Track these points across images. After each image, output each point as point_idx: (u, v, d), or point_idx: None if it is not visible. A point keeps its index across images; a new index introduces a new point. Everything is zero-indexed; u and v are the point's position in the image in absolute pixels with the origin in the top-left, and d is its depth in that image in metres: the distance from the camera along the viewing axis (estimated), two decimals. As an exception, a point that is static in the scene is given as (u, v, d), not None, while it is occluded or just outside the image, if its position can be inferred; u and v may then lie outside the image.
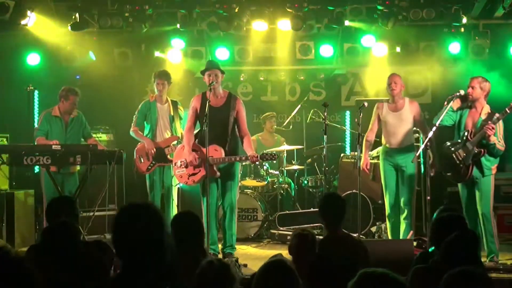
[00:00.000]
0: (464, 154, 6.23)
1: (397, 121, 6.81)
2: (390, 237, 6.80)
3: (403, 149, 6.79)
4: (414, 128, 6.93)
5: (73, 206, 4.31)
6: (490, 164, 6.19)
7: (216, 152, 6.22)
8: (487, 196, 6.20)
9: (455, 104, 6.38)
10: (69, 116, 7.32)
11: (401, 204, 6.80)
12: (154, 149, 7.12)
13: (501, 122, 6.13)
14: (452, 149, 6.34)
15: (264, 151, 6.42)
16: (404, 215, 6.78)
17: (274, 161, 6.57)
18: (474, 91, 6.23)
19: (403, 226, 6.79)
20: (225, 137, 6.39)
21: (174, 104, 7.36)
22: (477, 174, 6.19)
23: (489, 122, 6.01)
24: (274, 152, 6.49)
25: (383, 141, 6.94)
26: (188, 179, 6.53)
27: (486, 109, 6.21)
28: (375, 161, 7.66)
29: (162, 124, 7.27)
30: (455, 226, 3.67)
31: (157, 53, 8.98)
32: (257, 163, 8.06)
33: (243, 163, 7.41)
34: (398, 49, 8.69)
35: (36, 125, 8.77)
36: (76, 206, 4.37)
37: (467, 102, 6.33)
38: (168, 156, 7.19)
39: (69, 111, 7.31)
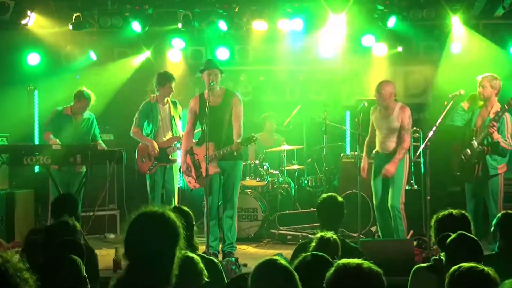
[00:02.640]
0: (470, 153, 6.22)
1: (386, 127, 6.67)
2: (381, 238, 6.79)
3: (390, 154, 6.65)
4: (415, 128, 6.90)
5: (76, 206, 4.43)
6: (496, 164, 6.16)
7: (208, 150, 6.22)
8: (494, 195, 6.17)
9: (466, 104, 6.37)
10: (80, 116, 7.37)
11: (390, 209, 6.72)
12: (158, 150, 7.13)
13: (510, 120, 6.11)
14: (460, 148, 6.35)
15: (245, 137, 6.40)
16: (395, 220, 6.69)
17: (254, 144, 6.57)
18: (485, 90, 6.19)
19: (396, 231, 6.74)
20: (220, 134, 6.42)
21: (174, 104, 7.36)
22: (482, 173, 6.17)
23: (492, 120, 6.01)
24: (252, 134, 6.45)
25: (376, 147, 6.88)
26: (195, 182, 6.61)
27: (496, 107, 6.14)
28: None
29: (164, 124, 7.26)
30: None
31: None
32: (256, 161, 8.10)
33: (244, 163, 7.43)
34: (398, 49, 8.69)
35: (36, 123, 8.80)
36: (78, 207, 4.48)
37: (479, 102, 6.31)
38: (170, 157, 7.21)
39: (80, 112, 7.37)
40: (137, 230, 2.47)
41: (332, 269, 2.35)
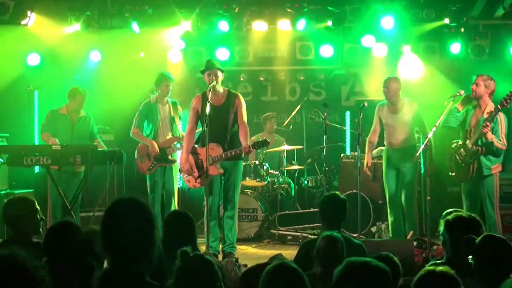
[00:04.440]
0: (464, 153, 6.23)
1: (397, 123, 6.87)
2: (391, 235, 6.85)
3: (403, 150, 6.82)
4: (416, 129, 6.94)
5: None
6: (490, 164, 6.16)
7: (213, 151, 6.22)
8: (490, 196, 6.19)
9: (460, 104, 6.39)
10: (76, 115, 7.39)
11: (403, 205, 6.84)
12: (158, 150, 7.12)
13: (504, 120, 6.12)
14: (455, 148, 6.35)
15: (255, 140, 6.43)
16: (406, 216, 6.80)
17: (266, 147, 6.59)
18: (478, 88, 6.22)
19: (405, 227, 6.83)
20: (224, 134, 6.41)
21: (174, 104, 7.36)
22: (477, 173, 6.18)
23: (485, 120, 6.02)
24: (265, 138, 6.49)
25: (385, 142, 6.98)
26: (195, 182, 6.59)
27: (490, 107, 6.16)
28: (376, 161, 7.67)
29: (163, 125, 7.26)
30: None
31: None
32: (256, 162, 8.11)
33: (245, 163, 7.42)
34: (404, 49, 8.69)
35: (36, 123, 8.79)
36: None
37: (473, 102, 6.32)
38: (170, 157, 7.20)
39: (76, 110, 7.40)
40: (113, 216, 2.51)
41: (341, 266, 2.38)
